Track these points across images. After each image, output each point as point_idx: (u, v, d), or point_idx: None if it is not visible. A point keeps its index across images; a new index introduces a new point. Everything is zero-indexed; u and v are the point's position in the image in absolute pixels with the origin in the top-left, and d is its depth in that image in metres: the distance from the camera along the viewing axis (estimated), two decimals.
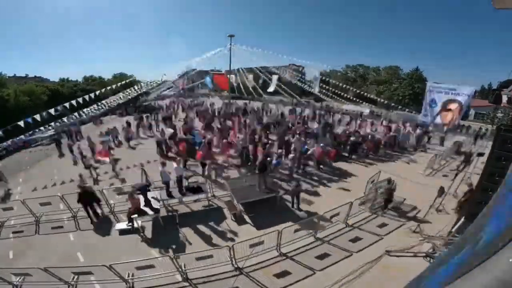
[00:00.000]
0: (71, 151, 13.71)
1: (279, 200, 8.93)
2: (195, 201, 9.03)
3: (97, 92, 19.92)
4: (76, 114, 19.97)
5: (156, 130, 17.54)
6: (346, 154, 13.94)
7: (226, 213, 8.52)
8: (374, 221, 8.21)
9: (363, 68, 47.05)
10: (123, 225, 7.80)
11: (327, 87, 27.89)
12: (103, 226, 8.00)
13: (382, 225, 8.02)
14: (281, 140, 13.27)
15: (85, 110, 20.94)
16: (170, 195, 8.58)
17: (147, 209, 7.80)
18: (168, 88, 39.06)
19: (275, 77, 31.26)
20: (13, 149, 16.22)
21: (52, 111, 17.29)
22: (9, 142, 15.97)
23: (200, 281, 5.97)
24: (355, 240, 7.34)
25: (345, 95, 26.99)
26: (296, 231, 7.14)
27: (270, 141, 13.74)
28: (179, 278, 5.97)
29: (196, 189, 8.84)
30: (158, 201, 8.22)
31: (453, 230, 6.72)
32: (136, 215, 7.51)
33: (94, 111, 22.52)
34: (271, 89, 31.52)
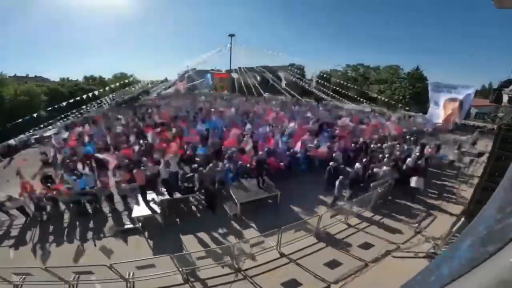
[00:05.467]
0: None
1: (279, 199, 8.93)
2: (195, 200, 9.04)
3: (96, 92, 19.93)
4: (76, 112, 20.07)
5: None
6: None
7: (226, 213, 8.53)
8: (378, 223, 8.15)
9: (363, 68, 46.96)
10: (124, 224, 7.83)
11: (328, 85, 27.92)
12: (103, 226, 8.02)
13: (389, 229, 7.84)
14: None
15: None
16: (170, 194, 8.61)
17: (147, 209, 7.86)
18: (169, 87, 39.03)
19: (282, 74, 31.37)
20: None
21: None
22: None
23: (200, 281, 5.97)
24: (366, 247, 7.05)
25: (348, 93, 27.00)
26: (296, 231, 7.15)
27: None
28: (179, 277, 5.98)
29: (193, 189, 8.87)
30: (158, 201, 8.24)
31: (453, 230, 6.72)
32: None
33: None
34: (282, 85, 31.54)
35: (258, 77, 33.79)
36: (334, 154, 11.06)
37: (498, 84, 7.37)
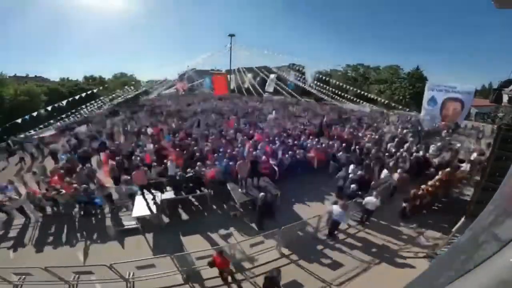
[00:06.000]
0: None
1: (279, 199, 8.93)
2: (195, 200, 9.03)
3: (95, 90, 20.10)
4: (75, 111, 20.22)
5: None
6: None
7: (226, 213, 8.52)
8: (378, 224, 8.06)
9: (363, 68, 46.92)
10: (124, 225, 7.83)
11: (327, 87, 27.88)
12: (103, 225, 8.02)
13: (390, 229, 7.79)
14: None
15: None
16: (172, 192, 8.66)
17: (147, 209, 7.86)
18: (169, 88, 38.99)
19: (272, 76, 31.18)
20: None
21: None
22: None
23: (200, 282, 5.97)
24: (366, 247, 6.98)
25: (346, 95, 26.96)
26: (297, 231, 7.13)
27: None
28: (179, 278, 5.97)
29: (194, 188, 8.85)
30: (158, 201, 8.24)
31: (454, 230, 6.72)
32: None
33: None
34: (270, 89, 31.43)
35: (252, 77, 33.76)
36: (338, 154, 11.09)
37: (498, 84, 7.37)
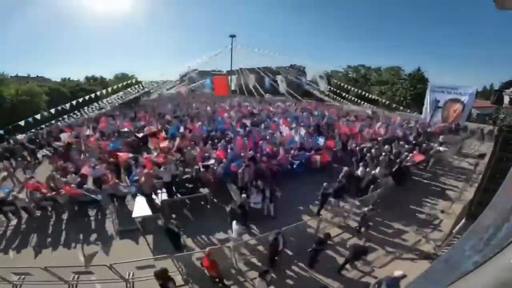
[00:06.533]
0: None
1: (279, 200, 8.90)
2: (195, 200, 9.03)
3: (98, 93, 20.13)
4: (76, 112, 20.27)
5: None
6: None
7: (226, 214, 8.50)
8: (379, 224, 8.06)
9: (364, 69, 46.90)
10: (123, 225, 7.83)
11: (329, 88, 27.94)
12: (103, 225, 8.01)
13: (390, 230, 7.80)
14: None
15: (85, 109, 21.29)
16: (171, 195, 8.64)
17: (147, 209, 7.85)
18: (170, 88, 39.00)
19: (280, 77, 31.20)
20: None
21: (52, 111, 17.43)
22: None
23: (200, 282, 5.95)
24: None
25: (347, 95, 27.01)
26: (297, 232, 7.11)
27: None
28: (179, 278, 5.96)
29: (194, 189, 8.85)
30: (158, 202, 8.25)
31: (454, 231, 6.70)
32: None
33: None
34: (282, 90, 31.35)
35: (253, 79, 33.77)
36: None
37: (499, 85, 7.33)
